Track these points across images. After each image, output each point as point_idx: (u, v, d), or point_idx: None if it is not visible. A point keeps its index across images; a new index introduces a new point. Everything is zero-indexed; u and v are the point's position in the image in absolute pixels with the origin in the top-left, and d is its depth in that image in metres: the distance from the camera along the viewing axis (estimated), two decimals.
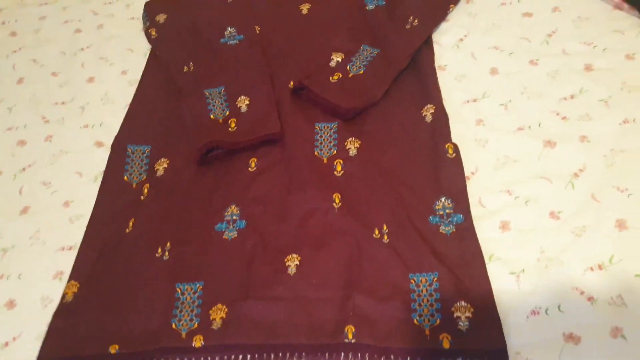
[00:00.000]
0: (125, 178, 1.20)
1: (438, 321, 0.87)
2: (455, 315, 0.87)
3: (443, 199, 1.00)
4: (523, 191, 0.98)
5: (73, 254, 1.10)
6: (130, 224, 1.12)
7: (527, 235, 0.93)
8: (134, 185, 1.19)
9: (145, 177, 1.19)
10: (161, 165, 1.19)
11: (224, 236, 1.05)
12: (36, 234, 1.16)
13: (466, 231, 0.95)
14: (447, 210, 0.98)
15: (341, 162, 1.10)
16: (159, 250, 1.07)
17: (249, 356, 0.92)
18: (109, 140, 1.27)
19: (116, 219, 1.14)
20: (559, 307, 0.84)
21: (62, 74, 1.49)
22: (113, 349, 0.96)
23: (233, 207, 1.09)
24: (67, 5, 1.70)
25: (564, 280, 0.86)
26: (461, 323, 0.86)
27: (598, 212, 0.91)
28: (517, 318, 0.85)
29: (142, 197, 1.16)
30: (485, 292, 0.88)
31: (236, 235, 1.05)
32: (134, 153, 1.23)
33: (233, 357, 0.92)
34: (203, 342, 0.93)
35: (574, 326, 0.81)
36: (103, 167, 1.23)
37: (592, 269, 0.86)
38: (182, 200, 1.13)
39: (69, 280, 1.07)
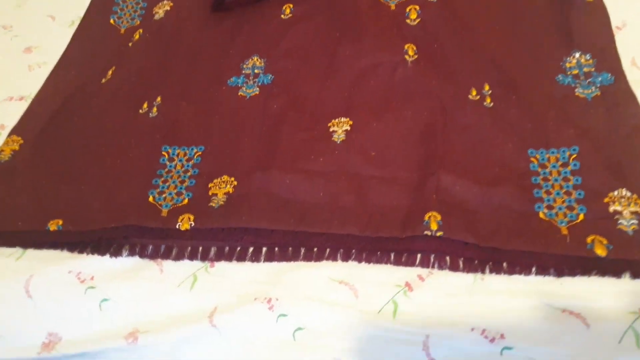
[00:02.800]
0: (112, 21, 0.84)
1: (581, 216, 0.51)
2: (611, 209, 0.51)
3: (577, 54, 0.63)
4: None
5: (24, 106, 0.75)
6: (110, 73, 0.76)
7: None
8: (122, 31, 0.83)
9: (139, 22, 0.83)
10: (162, 8, 0.83)
11: (240, 92, 0.69)
12: None
13: (620, 95, 0.58)
14: (586, 69, 0.62)
15: (417, 8, 0.73)
16: (145, 105, 0.70)
17: (264, 250, 0.56)
18: None
19: (91, 66, 0.78)
20: None
21: None
22: (53, 225, 0.59)
23: (255, 58, 0.73)
24: None
25: None
26: (623, 221, 0.49)
27: None
28: None
29: (130, 44, 0.80)
30: None
31: (257, 92, 0.69)
32: None
33: (239, 248, 0.56)
34: (193, 223, 0.56)
35: None
36: (84, 11, 0.87)
37: None
38: (185, 48, 0.76)
39: (9, 135, 0.71)
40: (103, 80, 0.75)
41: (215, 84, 0.71)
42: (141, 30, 0.81)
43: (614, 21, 0.67)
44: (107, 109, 0.71)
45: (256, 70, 0.72)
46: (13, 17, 0.90)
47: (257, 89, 0.70)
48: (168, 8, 0.83)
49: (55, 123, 0.71)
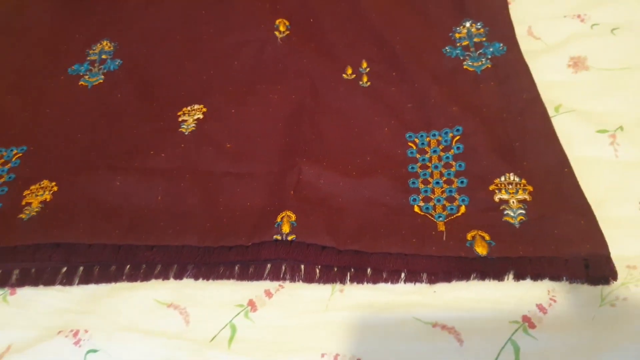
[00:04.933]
0: None
1: (463, 208, 0.46)
2: (496, 198, 0.46)
3: (468, 24, 0.59)
4: (606, 16, 0.59)
5: None
6: None
7: (621, 78, 0.54)
8: None
9: None
10: None
11: (81, 82, 0.62)
12: None
13: (513, 66, 0.54)
14: (477, 39, 0.58)
15: None
16: None
17: (80, 270, 0.47)
18: None
19: None
20: None
21: None
22: None
23: (105, 42, 0.66)
24: None
25: None
26: (510, 212, 0.45)
27: None
28: (622, 207, 0.45)
29: None
30: (554, 158, 0.47)
31: (102, 81, 0.62)
32: None
33: (49, 269, 0.48)
34: None
35: None
36: None
37: None
38: (23, 34, 0.69)
39: None
40: None
41: (53, 73, 0.64)
42: None
43: None
44: None
45: (103, 56, 0.65)
46: None
47: (102, 76, 0.63)
48: None
49: None
